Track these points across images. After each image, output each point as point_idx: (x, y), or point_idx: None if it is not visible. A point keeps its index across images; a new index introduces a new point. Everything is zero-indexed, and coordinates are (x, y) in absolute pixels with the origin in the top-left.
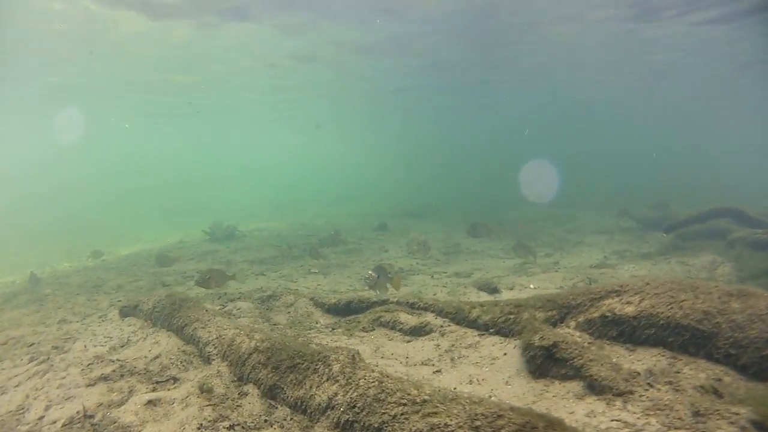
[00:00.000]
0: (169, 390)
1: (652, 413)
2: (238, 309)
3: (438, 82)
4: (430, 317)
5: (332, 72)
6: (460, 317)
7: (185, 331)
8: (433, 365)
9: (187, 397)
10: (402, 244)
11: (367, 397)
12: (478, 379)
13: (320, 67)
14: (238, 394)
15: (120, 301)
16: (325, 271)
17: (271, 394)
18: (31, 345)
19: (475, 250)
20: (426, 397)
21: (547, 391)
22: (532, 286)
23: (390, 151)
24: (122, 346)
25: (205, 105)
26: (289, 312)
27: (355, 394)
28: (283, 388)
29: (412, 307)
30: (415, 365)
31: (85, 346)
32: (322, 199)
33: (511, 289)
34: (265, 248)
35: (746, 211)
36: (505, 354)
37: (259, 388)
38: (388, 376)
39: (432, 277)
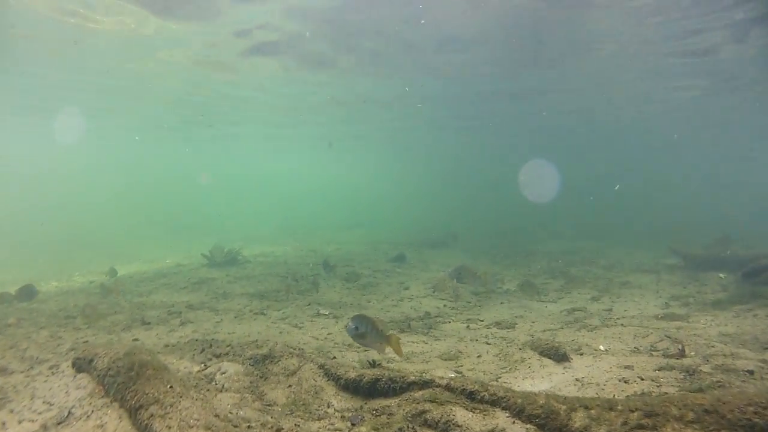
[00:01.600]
0: None
1: None
2: (223, 374)
3: (468, 109)
4: (503, 420)
5: (350, 89)
6: (553, 425)
7: (139, 416)
8: None
9: None
10: (423, 279)
11: None
12: None
13: (335, 80)
14: None
15: (86, 342)
16: (337, 313)
17: None
18: None
19: (508, 290)
20: None
21: None
22: (602, 347)
23: (408, 175)
24: (59, 423)
25: (216, 119)
26: (290, 385)
27: None
28: None
29: (473, 398)
30: None
31: (12, 414)
32: (333, 223)
33: (580, 353)
34: (268, 279)
35: None
36: None
37: None
38: None
39: (468, 327)
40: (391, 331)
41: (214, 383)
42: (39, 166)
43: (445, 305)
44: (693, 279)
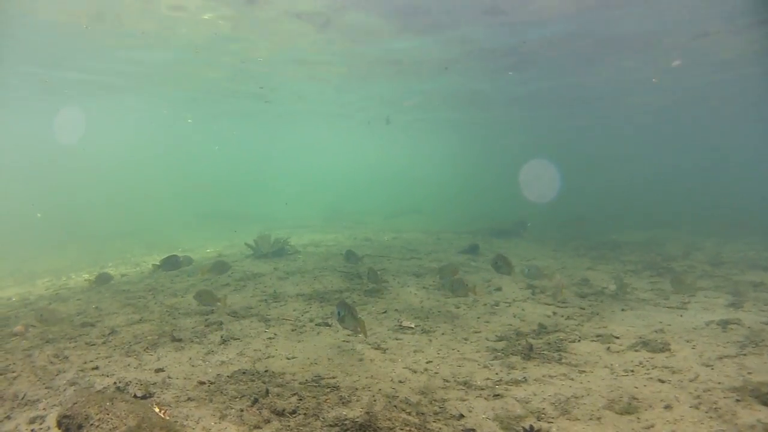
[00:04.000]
0: None
1: None
2: None
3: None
4: None
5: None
6: None
7: None
8: None
9: None
10: (513, 276)
11: None
12: None
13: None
14: None
15: (95, 368)
16: (426, 326)
17: None
18: None
19: (616, 291)
20: None
21: None
22: None
23: (468, 159)
24: None
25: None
26: None
27: None
28: None
29: None
30: None
31: None
32: (383, 209)
33: None
34: (325, 274)
35: None
36: None
37: None
38: None
39: (608, 349)
40: (360, 316)
41: None
42: (81, 151)
43: (554, 312)
44: None
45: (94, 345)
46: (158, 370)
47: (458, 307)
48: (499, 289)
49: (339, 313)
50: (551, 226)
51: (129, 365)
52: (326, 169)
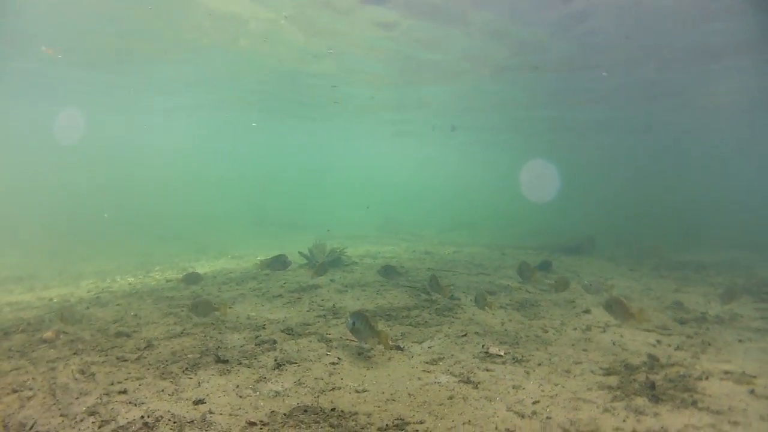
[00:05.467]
0: None
1: None
2: None
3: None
4: None
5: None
6: None
7: None
8: None
9: None
10: (594, 296)
11: None
12: None
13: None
14: None
15: (122, 391)
16: (517, 354)
17: None
18: None
19: (719, 316)
20: None
21: None
22: None
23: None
24: None
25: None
26: None
27: None
28: None
29: None
30: None
31: None
32: (436, 222)
33: None
34: (388, 288)
35: None
36: None
37: None
38: None
39: (752, 393)
40: (381, 328)
41: None
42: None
43: (658, 341)
44: None
45: (125, 361)
46: (197, 402)
47: (546, 331)
48: (587, 311)
49: (353, 324)
50: (619, 243)
51: (163, 391)
52: (381, 181)
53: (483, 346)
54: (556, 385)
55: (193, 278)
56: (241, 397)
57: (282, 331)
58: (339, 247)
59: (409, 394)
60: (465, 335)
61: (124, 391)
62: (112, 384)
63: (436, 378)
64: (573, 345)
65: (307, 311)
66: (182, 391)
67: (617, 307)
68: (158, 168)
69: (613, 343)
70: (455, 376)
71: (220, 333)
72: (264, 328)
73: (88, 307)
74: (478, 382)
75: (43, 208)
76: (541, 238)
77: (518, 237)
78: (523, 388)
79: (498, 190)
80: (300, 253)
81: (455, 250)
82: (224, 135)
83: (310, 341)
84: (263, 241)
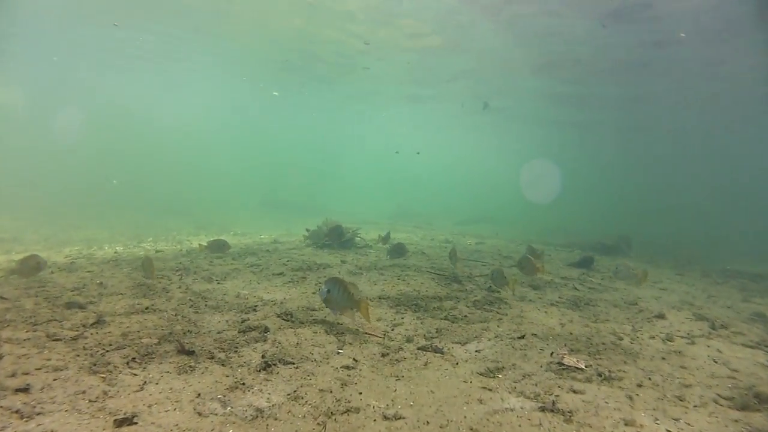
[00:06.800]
0: None
1: None
2: None
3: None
4: None
5: None
6: None
7: None
8: None
9: None
10: (657, 297)
11: None
12: None
13: None
14: None
15: (24, 388)
16: (599, 366)
17: None
18: None
19: None
20: None
21: None
22: None
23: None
24: None
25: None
26: None
27: None
28: None
29: None
30: None
31: None
32: (449, 214)
33: None
34: (410, 273)
35: None
36: None
37: None
38: None
39: None
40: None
41: None
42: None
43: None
44: None
45: (56, 341)
46: (123, 422)
47: (620, 338)
48: (661, 316)
49: (328, 291)
50: (655, 245)
51: (83, 394)
52: (396, 170)
53: (552, 354)
54: (677, 420)
55: (218, 245)
56: (199, 415)
57: (278, 316)
58: (352, 227)
59: (470, 429)
60: (523, 337)
61: (26, 388)
62: (14, 375)
63: (503, 401)
64: (663, 358)
65: (313, 293)
66: (111, 397)
67: (527, 264)
68: (175, 140)
69: (714, 361)
70: (530, 398)
71: (196, 312)
72: (255, 310)
73: (52, 272)
74: (569, 412)
75: (54, 172)
76: (565, 235)
77: (541, 233)
78: (635, 425)
79: (512, 185)
80: (307, 230)
81: (478, 241)
82: (243, 105)
83: (315, 332)
84: (271, 222)
